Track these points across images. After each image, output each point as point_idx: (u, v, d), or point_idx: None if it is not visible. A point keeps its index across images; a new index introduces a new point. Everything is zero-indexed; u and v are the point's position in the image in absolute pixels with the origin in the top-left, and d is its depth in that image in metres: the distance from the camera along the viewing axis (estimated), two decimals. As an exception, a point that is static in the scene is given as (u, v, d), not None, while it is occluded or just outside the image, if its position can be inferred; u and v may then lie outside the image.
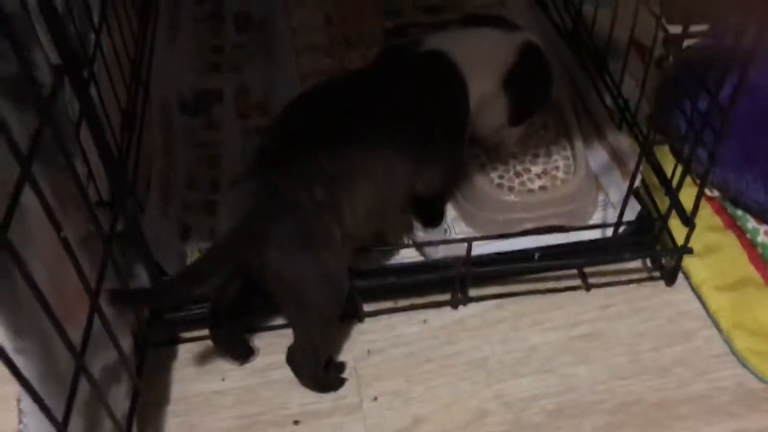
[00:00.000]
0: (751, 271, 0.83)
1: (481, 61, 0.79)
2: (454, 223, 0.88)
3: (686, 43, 0.72)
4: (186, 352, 0.79)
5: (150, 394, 0.74)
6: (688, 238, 0.80)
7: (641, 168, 0.80)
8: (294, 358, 0.74)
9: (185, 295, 0.69)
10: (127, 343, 0.66)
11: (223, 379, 0.77)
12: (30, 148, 0.46)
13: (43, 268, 0.52)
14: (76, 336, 0.55)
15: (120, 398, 0.65)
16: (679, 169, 0.77)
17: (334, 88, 0.76)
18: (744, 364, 0.76)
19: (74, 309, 0.57)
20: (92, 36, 0.75)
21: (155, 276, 0.72)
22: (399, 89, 0.76)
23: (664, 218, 0.81)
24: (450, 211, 0.89)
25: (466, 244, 0.78)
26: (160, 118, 0.97)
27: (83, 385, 0.56)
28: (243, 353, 0.78)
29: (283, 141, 0.71)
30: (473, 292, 0.83)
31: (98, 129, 0.58)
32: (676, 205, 0.78)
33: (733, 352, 0.77)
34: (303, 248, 0.66)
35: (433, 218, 0.87)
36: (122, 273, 0.66)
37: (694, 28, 0.67)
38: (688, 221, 0.78)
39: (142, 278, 0.71)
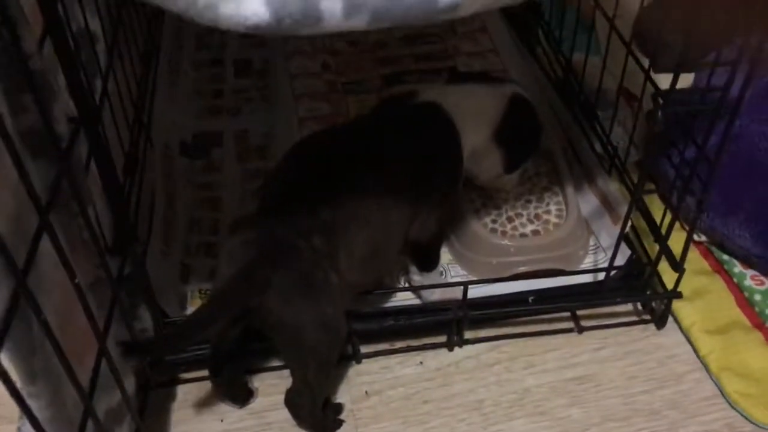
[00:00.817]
0: (738, 314, 0.85)
1: (473, 114, 0.82)
2: (450, 266, 0.90)
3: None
4: (185, 393, 0.80)
5: (150, 435, 0.75)
6: (677, 282, 0.82)
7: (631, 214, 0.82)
8: (292, 401, 0.75)
9: (189, 342, 0.71)
10: (130, 385, 0.67)
11: (222, 420, 0.78)
12: (49, 198, 0.48)
13: (54, 313, 0.54)
14: (83, 379, 0.57)
15: (122, 440, 0.66)
16: (668, 216, 0.79)
17: (332, 137, 0.79)
18: (734, 407, 0.78)
19: (82, 352, 0.59)
20: (98, 82, 0.77)
21: (158, 319, 0.73)
22: (395, 139, 0.78)
23: (654, 264, 0.83)
24: (445, 255, 0.91)
25: (461, 287, 0.80)
26: (161, 161, 0.99)
27: (89, 428, 0.57)
28: (242, 396, 0.79)
29: (282, 190, 0.73)
30: (468, 334, 0.84)
31: (110, 176, 0.60)
32: (666, 251, 0.81)
33: (723, 394, 0.79)
34: (302, 295, 0.68)
35: (429, 263, 0.88)
36: (127, 316, 0.67)
37: (683, 81, 0.69)
38: (678, 267, 0.80)
39: (145, 321, 0.72)
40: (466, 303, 0.81)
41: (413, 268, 0.87)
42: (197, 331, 0.66)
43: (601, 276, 0.85)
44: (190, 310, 0.83)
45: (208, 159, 1.04)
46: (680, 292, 0.83)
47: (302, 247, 0.68)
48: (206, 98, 1.15)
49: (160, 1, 0.38)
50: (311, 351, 0.70)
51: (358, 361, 0.83)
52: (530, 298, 0.83)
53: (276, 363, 0.82)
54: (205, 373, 0.80)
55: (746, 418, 0.77)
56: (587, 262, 0.90)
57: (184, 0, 0.38)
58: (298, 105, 1.08)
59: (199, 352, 0.78)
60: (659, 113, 0.63)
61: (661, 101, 0.66)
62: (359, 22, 0.41)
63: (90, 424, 0.56)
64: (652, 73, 0.75)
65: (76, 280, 0.51)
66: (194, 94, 1.15)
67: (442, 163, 0.81)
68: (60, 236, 0.56)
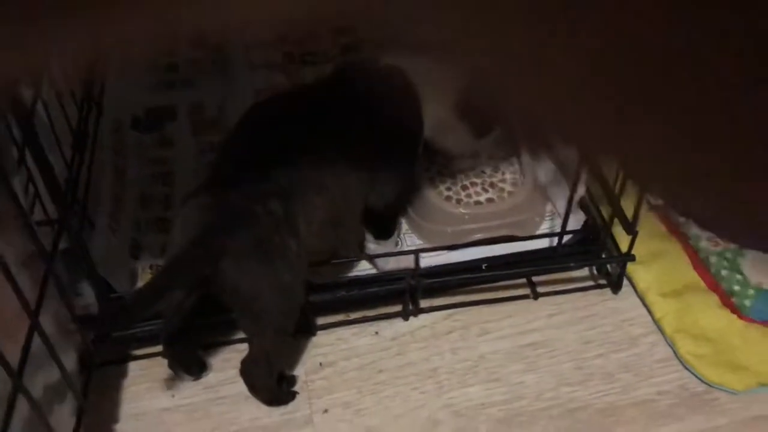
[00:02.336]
0: (694, 276, 0.85)
1: (435, 81, 0.80)
2: (406, 236, 0.89)
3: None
4: (136, 369, 0.79)
5: (99, 412, 0.74)
6: (631, 245, 0.82)
7: (584, 178, 0.82)
8: (248, 371, 0.74)
9: (145, 313, 0.69)
10: (71, 362, 0.66)
11: (174, 396, 0.77)
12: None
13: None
14: (17, 354, 0.56)
15: (65, 418, 0.64)
16: (621, 177, 0.79)
17: (287, 101, 0.77)
18: (687, 368, 0.78)
19: (15, 328, 0.57)
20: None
21: (102, 294, 0.72)
22: (353, 103, 0.77)
23: (607, 226, 0.83)
24: (401, 225, 0.90)
25: (414, 256, 0.79)
26: (111, 136, 0.97)
27: (24, 405, 0.56)
28: (197, 368, 0.78)
29: (236, 155, 0.71)
30: (424, 304, 0.84)
31: (39, 149, 0.59)
32: (618, 213, 0.80)
33: (677, 356, 0.79)
34: (259, 261, 0.66)
35: (385, 231, 0.88)
36: (67, 291, 0.66)
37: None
38: (631, 229, 0.80)
39: (87, 296, 0.71)
40: (419, 272, 0.80)
41: (369, 237, 0.86)
42: (151, 300, 0.64)
43: (556, 241, 0.84)
44: (141, 285, 0.81)
45: (161, 133, 1.02)
46: (633, 255, 0.82)
47: (258, 212, 0.66)
48: (159, 71, 1.12)
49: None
50: (268, 318, 0.69)
51: (313, 333, 0.82)
52: (484, 265, 0.83)
53: (230, 337, 0.81)
54: (156, 349, 0.79)
55: (699, 378, 0.77)
56: (544, 229, 0.90)
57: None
58: (253, 76, 1.06)
59: (148, 328, 0.77)
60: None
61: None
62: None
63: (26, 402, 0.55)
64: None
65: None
66: (147, 67, 1.12)
67: (402, 129, 0.80)
68: (-14, 210, 0.55)
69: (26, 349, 0.55)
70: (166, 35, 0.18)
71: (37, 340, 0.58)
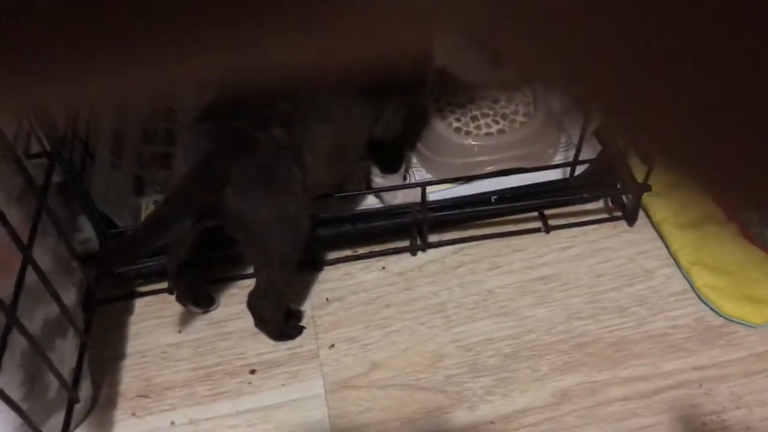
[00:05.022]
0: (712, 207, 0.82)
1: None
2: (415, 170, 0.87)
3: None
4: (141, 306, 0.78)
5: (105, 348, 0.74)
6: (647, 175, 0.78)
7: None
8: (255, 303, 0.73)
9: (151, 246, 0.67)
10: (71, 297, 0.65)
11: (180, 332, 0.76)
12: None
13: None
14: (9, 288, 0.55)
15: (67, 353, 0.64)
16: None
17: None
18: (703, 301, 0.76)
19: (9, 264, 0.56)
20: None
21: (102, 229, 0.71)
22: None
23: (623, 155, 0.80)
24: (410, 159, 0.87)
25: (421, 189, 0.77)
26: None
27: (23, 339, 0.55)
28: (205, 301, 0.77)
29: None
30: (432, 238, 0.82)
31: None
32: (634, 141, 0.77)
33: (693, 289, 0.77)
34: (262, 188, 0.65)
35: (392, 164, 0.85)
36: (63, 226, 0.65)
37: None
38: (647, 157, 0.76)
39: (88, 231, 0.70)
40: (426, 205, 0.78)
41: (376, 171, 0.84)
42: (157, 233, 0.62)
43: (569, 172, 0.81)
44: (145, 222, 0.80)
45: (164, 68, 1.00)
46: (650, 185, 0.79)
47: (261, 139, 0.64)
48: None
49: None
50: (273, 247, 0.68)
51: (320, 269, 0.81)
52: (493, 198, 0.80)
53: (235, 272, 0.80)
54: (161, 285, 0.79)
55: (716, 312, 0.75)
56: (559, 160, 0.87)
57: None
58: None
59: (152, 264, 0.76)
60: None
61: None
62: None
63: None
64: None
65: (-18, 185, 0.48)
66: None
67: (409, 57, 0.76)
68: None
69: (19, 283, 0.54)
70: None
71: (35, 276, 0.57)
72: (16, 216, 0.56)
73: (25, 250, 0.54)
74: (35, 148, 0.69)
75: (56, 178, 0.66)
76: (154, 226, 0.63)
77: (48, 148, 0.66)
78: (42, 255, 0.59)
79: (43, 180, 0.61)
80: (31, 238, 0.57)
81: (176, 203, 0.63)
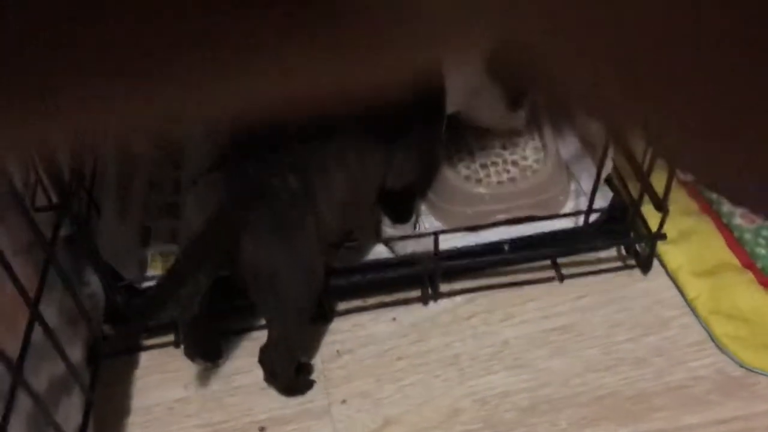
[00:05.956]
0: (728, 255, 0.81)
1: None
2: (424, 219, 0.86)
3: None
4: (147, 359, 0.76)
5: (109, 404, 0.72)
6: (661, 223, 0.78)
7: (612, 154, 0.78)
8: (267, 357, 0.71)
9: (174, 299, 0.66)
10: (77, 354, 0.63)
11: (186, 387, 0.74)
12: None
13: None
14: (17, 346, 0.53)
15: (73, 411, 0.62)
16: (650, 152, 0.75)
17: None
18: (723, 351, 0.74)
19: (15, 319, 0.55)
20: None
21: (109, 282, 0.69)
22: None
23: (636, 204, 0.79)
24: (420, 207, 0.86)
25: (433, 238, 0.76)
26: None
27: (27, 399, 0.53)
28: (215, 354, 0.75)
29: (253, 132, 0.69)
30: (444, 288, 0.80)
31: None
32: (648, 189, 0.76)
33: (712, 338, 0.75)
34: (278, 236, 0.64)
35: (404, 213, 0.85)
36: (71, 280, 0.63)
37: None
38: (661, 206, 0.75)
39: (94, 285, 0.68)
40: (438, 254, 0.77)
41: (386, 221, 0.83)
42: (177, 287, 0.62)
43: (582, 221, 0.80)
44: (151, 273, 0.79)
45: (171, 117, 0.99)
46: (664, 234, 0.78)
47: (276, 186, 0.64)
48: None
49: None
50: (288, 297, 0.66)
51: (330, 320, 0.79)
52: (506, 247, 0.79)
53: (244, 325, 0.78)
54: (167, 339, 0.77)
55: (735, 362, 0.73)
56: (569, 208, 0.86)
57: None
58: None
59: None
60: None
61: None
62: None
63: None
64: None
65: (-8, 241, 0.47)
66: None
67: (423, 105, 0.76)
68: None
69: (26, 341, 0.52)
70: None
71: (40, 332, 0.56)
72: (24, 271, 0.55)
73: (33, 306, 0.53)
74: (41, 200, 0.68)
75: (63, 230, 0.64)
76: (175, 278, 0.62)
77: (55, 200, 0.65)
78: (48, 309, 0.58)
79: (50, 233, 0.60)
80: (39, 294, 0.55)
81: (194, 254, 0.62)
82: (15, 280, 0.50)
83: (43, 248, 0.57)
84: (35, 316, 0.53)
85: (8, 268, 0.49)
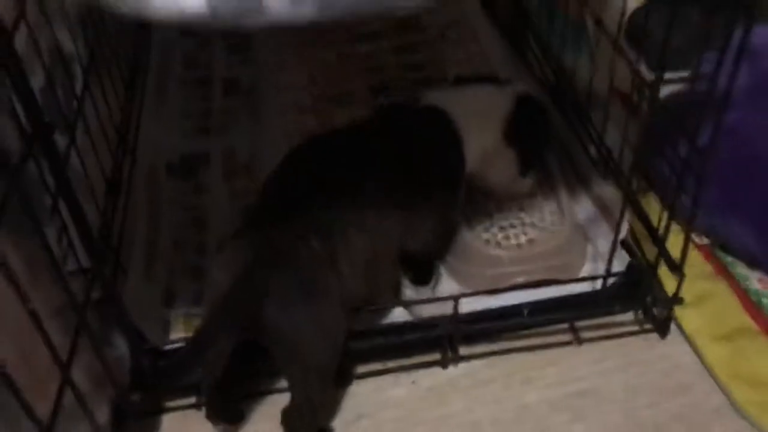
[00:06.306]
0: (745, 319, 0.81)
1: (478, 116, 0.80)
2: (444, 281, 0.87)
3: (666, 90, 0.72)
4: (168, 421, 0.76)
5: (131, 467, 0.72)
6: (678, 287, 0.78)
7: (628, 218, 0.79)
8: (290, 420, 0.71)
9: (200, 363, 0.66)
10: (103, 416, 0.64)
11: (207, 450, 0.74)
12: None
13: (11, 341, 0.51)
14: (48, 407, 0.54)
15: (97, 474, 0.63)
16: (665, 216, 0.76)
17: (329, 141, 0.76)
18: (744, 417, 0.74)
19: (47, 383, 0.56)
20: (74, 103, 0.76)
21: (136, 345, 0.70)
22: (395, 143, 0.76)
23: (653, 268, 0.80)
24: (439, 269, 0.87)
25: (453, 302, 0.77)
26: (146, 182, 0.97)
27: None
28: (237, 417, 0.76)
29: (278, 193, 0.71)
30: (463, 351, 0.81)
31: (72, 197, 0.58)
32: (664, 253, 0.77)
33: (733, 404, 0.75)
34: (301, 300, 0.65)
35: (423, 275, 0.86)
36: (99, 343, 0.64)
37: (670, 75, 0.67)
38: (677, 270, 0.76)
39: (119, 347, 0.69)
40: (458, 318, 0.78)
41: (406, 283, 0.84)
42: (204, 350, 0.63)
43: (599, 284, 0.81)
44: (174, 336, 0.80)
45: (195, 179, 1.02)
46: (681, 298, 0.79)
47: (300, 251, 0.65)
48: (194, 118, 1.12)
49: None
50: (312, 358, 0.67)
51: (349, 382, 0.79)
52: (525, 311, 0.80)
53: (266, 387, 0.79)
54: (189, 401, 0.77)
55: (757, 428, 0.73)
56: (586, 271, 0.87)
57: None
58: (284, 119, 1.06)
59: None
60: (644, 105, 0.60)
61: (647, 93, 0.63)
62: (305, 13, 0.39)
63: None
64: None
65: (31, 306, 0.49)
66: (182, 114, 1.13)
67: (443, 170, 0.79)
68: (20, 258, 0.54)
69: (57, 405, 0.53)
70: None
71: (68, 393, 0.57)
72: (55, 333, 0.56)
73: (65, 368, 0.54)
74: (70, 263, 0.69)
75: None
76: (201, 342, 0.63)
77: (84, 262, 0.67)
78: (78, 373, 0.59)
79: (81, 296, 0.61)
80: (70, 358, 0.56)
81: (220, 317, 0.63)
82: (50, 345, 0.51)
83: (77, 312, 0.58)
84: (66, 379, 0.54)
85: (44, 333, 0.50)
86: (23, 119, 0.54)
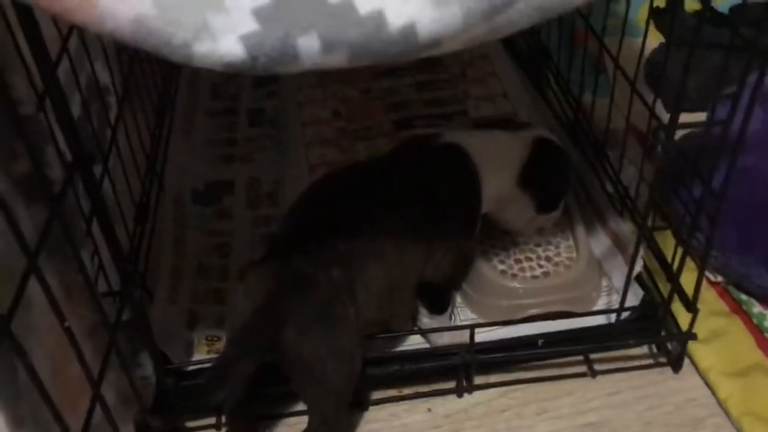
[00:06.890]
0: (759, 356, 0.82)
1: (494, 161, 0.82)
2: (460, 310, 0.89)
3: (682, 132, 0.74)
4: (189, 442, 0.79)
5: (152, 485, 0.74)
6: (692, 323, 0.80)
7: (642, 253, 0.81)
8: None
9: (222, 385, 0.66)
10: (128, 433, 0.66)
11: (226, 470, 0.76)
12: (38, 242, 0.48)
13: (46, 357, 0.54)
14: (77, 426, 0.56)
15: (120, 491, 0.64)
16: (679, 253, 0.77)
17: (352, 173, 0.79)
18: (757, 453, 0.75)
19: (76, 398, 0.58)
20: (108, 132, 0.79)
21: (160, 366, 0.73)
22: (415, 178, 0.79)
23: (667, 303, 0.81)
24: (455, 298, 0.89)
25: (469, 331, 0.79)
26: (172, 208, 1.00)
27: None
28: None
29: (299, 224, 0.73)
30: (478, 380, 0.82)
31: (107, 223, 0.61)
32: (678, 290, 0.79)
33: (745, 440, 0.76)
34: (320, 327, 0.67)
35: (440, 305, 0.87)
36: (128, 363, 0.67)
37: (685, 118, 0.69)
38: (690, 306, 0.78)
39: (146, 368, 0.72)
40: (473, 347, 0.79)
41: (423, 311, 0.86)
42: (226, 374, 0.64)
43: (614, 318, 0.83)
44: (196, 357, 0.82)
45: (220, 206, 1.05)
46: (695, 334, 0.80)
47: (320, 280, 0.67)
48: (219, 147, 1.16)
49: (134, 41, 0.38)
50: (330, 384, 0.69)
51: (365, 408, 0.81)
52: (540, 342, 0.81)
53: (284, 410, 0.81)
54: (209, 421, 0.79)
55: (770, 465, 0.73)
56: (600, 304, 0.88)
57: (158, 38, 0.38)
58: (308, 152, 1.08)
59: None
60: (659, 147, 0.62)
61: (662, 135, 0.65)
62: (338, 59, 0.41)
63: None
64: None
65: (66, 324, 0.51)
66: (208, 143, 1.16)
67: (460, 206, 0.81)
68: (56, 280, 0.56)
69: (87, 420, 0.55)
70: None
71: (99, 414, 0.59)
72: (87, 352, 0.58)
73: (96, 386, 0.56)
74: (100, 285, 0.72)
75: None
76: (224, 366, 0.65)
77: (113, 284, 0.70)
78: (107, 391, 0.61)
79: (112, 318, 0.64)
80: (101, 376, 0.59)
81: (241, 343, 0.66)
82: (83, 362, 0.54)
83: (108, 332, 0.61)
84: (97, 397, 0.56)
85: (78, 350, 0.53)
86: (63, 148, 0.57)
